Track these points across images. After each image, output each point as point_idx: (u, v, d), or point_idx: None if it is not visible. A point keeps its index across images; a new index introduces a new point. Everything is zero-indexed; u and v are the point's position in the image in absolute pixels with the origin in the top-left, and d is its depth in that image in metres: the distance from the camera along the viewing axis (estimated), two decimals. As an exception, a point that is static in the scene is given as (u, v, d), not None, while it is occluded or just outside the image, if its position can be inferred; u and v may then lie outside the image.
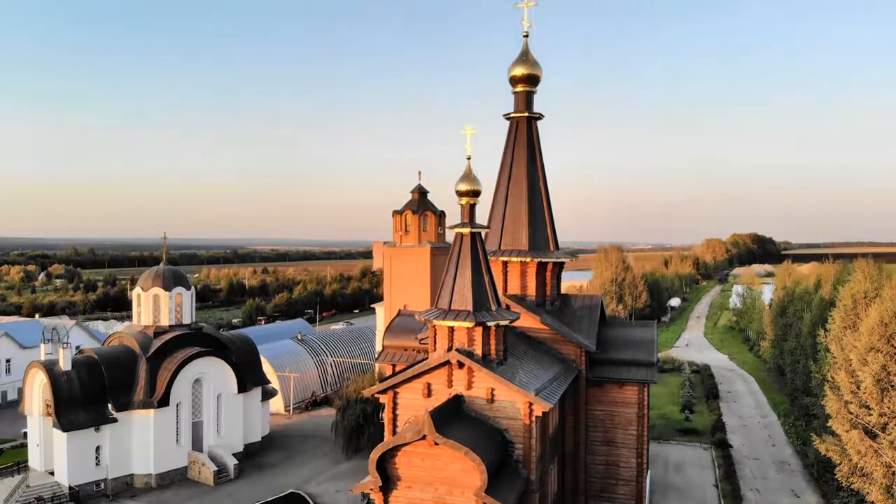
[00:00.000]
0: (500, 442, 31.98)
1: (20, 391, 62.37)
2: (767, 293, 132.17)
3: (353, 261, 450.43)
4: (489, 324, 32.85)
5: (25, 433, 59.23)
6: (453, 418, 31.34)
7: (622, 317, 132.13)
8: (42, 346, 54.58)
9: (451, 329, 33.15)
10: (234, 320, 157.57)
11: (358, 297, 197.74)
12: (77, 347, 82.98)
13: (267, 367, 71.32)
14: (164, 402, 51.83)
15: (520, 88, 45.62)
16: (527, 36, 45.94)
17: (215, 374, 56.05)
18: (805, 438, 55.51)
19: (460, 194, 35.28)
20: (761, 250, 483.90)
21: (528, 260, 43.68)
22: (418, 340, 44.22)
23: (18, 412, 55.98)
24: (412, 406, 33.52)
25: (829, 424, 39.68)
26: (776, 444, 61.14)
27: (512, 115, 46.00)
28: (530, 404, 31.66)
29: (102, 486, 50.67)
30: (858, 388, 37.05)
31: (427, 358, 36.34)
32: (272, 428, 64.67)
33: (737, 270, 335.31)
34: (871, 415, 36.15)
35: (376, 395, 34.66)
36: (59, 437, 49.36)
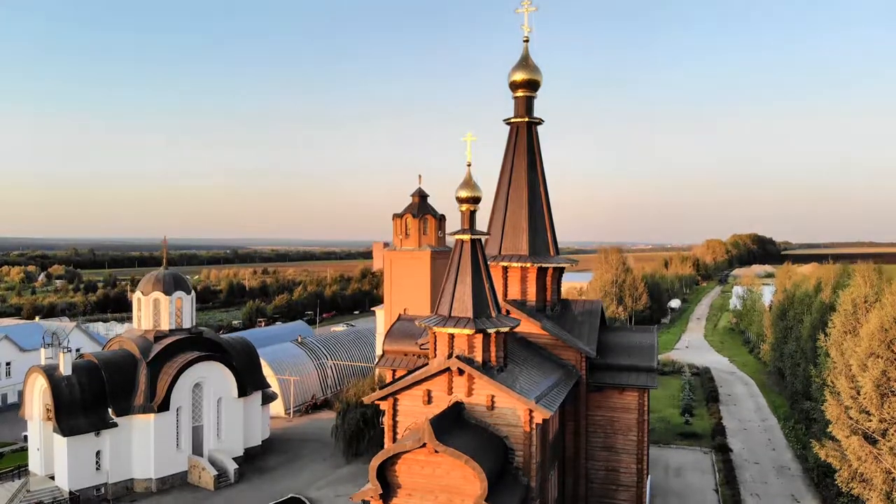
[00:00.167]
0: (501, 449, 31.97)
1: (20, 394, 62.45)
2: (767, 294, 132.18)
3: (353, 261, 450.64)
4: (489, 331, 32.84)
5: (26, 436, 59.25)
6: (453, 425, 31.34)
7: (622, 319, 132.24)
8: (42, 350, 54.57)
9: (452, 336, 33.14)
10: (235, 322, 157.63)
11: (358, 298, 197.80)
12: (77, 350, 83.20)
13: (267, 371, 71.37)
14: (164, 406, 51.84)
15: (520, 93, 45.55)
16: (527, 41, 45.89)
17: (215, 378, 56.07)
18: (805, 442, 55.51)
19: (461, 201, 35.26)
20: (761, 251, 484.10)
21: (529, 265, 43.64)
22: (418, 346, 44.23)
23: (19, 416, 55.97)
24: (412, 413, 33.51)
25: (829, 430, 39.67)
26: (776, 448, 61.16)
27: (512, 120, 45.96)
28: (531, 412, 31.63)
29: (103, 490, 50.70)
30: (858, 393, 37.06)
31: (427, 363, 36.37)
32: (272, 431, 64.71)
33: (737, 271, 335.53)
34: (870, 420, 36.15)
35: (376, 402, 34.66)
36: (60, 441, 49.38)
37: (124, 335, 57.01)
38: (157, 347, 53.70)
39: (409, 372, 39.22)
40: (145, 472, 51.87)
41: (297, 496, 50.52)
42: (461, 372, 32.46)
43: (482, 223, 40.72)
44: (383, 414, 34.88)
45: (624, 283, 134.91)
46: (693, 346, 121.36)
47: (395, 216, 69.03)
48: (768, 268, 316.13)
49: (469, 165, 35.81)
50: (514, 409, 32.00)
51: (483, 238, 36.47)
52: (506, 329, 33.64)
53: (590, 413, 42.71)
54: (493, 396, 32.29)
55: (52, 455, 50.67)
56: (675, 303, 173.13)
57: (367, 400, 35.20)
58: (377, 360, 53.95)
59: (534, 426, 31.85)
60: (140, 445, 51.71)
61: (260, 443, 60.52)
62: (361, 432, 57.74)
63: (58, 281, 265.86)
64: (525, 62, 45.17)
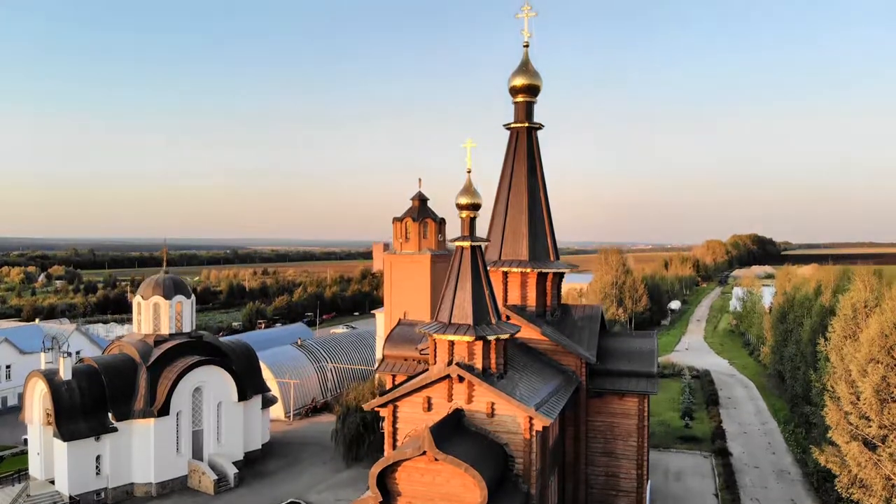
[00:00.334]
0: (501, 456, 32.01)
1: (20, 397, 62.44)
2: (767, 296, 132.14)
3: (352, 261, 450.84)
4: (489, 338, 32.89)
5: (26, 440, 59.26)
6: (453, 433, 31.36)
7: (622, 321, 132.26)
8: (42, 354, 54.60)
9: (452, 343, 33.18)
10: (235, 323, 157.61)
11: (358, 299, 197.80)
12: (77, 353, 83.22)
13: (267, 374, 71.38)
14: (164, 411, 51.84)
15: (520, 99, 45.58)
16: (527, 46, 45.92)
17: (215, 382, 56.07)
18: (805, 447, 55.48)
19: (461, 207, 35.29)
20: (761, 251, 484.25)
21: (529, 270, 43.68)
22: (419, 351, 44.26)
23: (19, 420, 55.96)
24: (412, 420, 33.55)
25: (829, 435, 39.68)
26: (776, 451, 61.14)
27: (512, 125, 45.98)
28: (531, 419, 31.67)
29: (103, 495, 50.69)
30: (858, 398, 37.06)
31: (427, 369, 36.41)
32: (272, 435, 64.71)
33: (737, 272, 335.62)
34: (870, 426, 36.15)
35: (376, 409, 34.67)
36: (60, 446, 49.38)
37: (124, 340, 57.02)
38: (157, 352, 53.70)
39: (409, 378, 39.22)
40: (145, 477, 51.87)
41: (297, 501, 50.50)
42: (461, 379, 32.49)
43: (482, 227, 40.74)
44: (383, 419, 34.91)
45: (624, 284, 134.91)
46: (693, 348, 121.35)
47: (395, 220, 69.05)
48: (768, 268, 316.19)
49: (469, 172, 35.86)
50: (514, 416, 32.03)
51: (483, 244, 36.49)
52: (506, 336, 33.67)
53: (590, 418, 42.72)
54: (493, 404, 32.32)
55: (53, 459, 50.65)
56: (675, 304, 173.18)
57: (367, 407, 35.25)
58: (377, 364, 53.99)
59: (534, 433, 31.88)
60: (140, 450, 51.71)
61: (260, 447, 60.52)
62: (361, 437, 57.72)
63: (58, 282, 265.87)
64: (525, 67, 45.19)
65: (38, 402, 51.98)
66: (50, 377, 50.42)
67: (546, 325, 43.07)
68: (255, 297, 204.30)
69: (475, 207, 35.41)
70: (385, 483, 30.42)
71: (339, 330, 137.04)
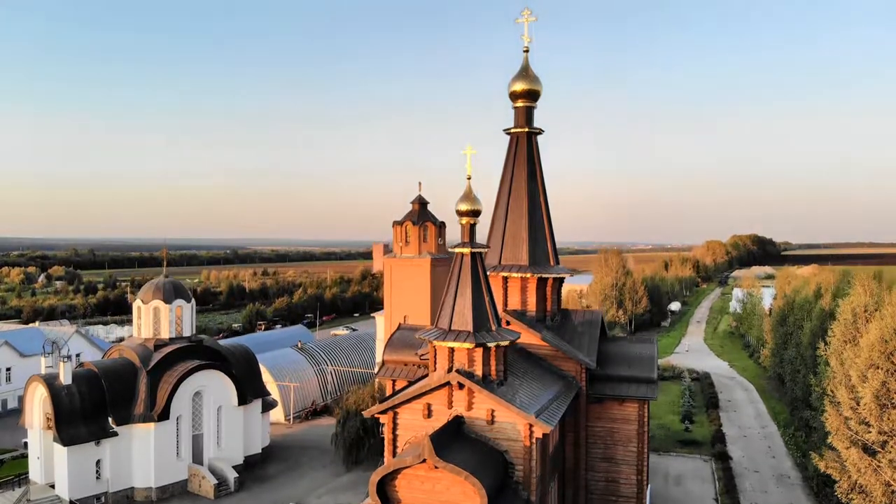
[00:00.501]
0: (501, 463, 32.00)
1: (20, 399, 62.48)
2: (767, 297, 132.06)
3: (352, 262, 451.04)
4: (489, 344, 32.86)
5: (26, 443, 59.29)
6: (453, 440, 31.37)
7: (622, 322, 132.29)
8: (42, 358, 54.63)
9: (452, 350, 33.15)
10: (235, 325, 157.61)
11: (358, 300, 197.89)
12: (77, 356, 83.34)
13: (267, 377, 71.41)
14: (164, 415, 51.86)
15: (520, 104, 45.54)
16: (527, 51, 45.89)
17: (215, 386, 56.10)
18: (805, 450, 55.47)
19: (461, 214, 35.27)
20: (761, 251, 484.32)
21: (529, 275, 43.64)
22: (419, 356, 44.22)
23: (19, 424, 55.98)
24: (412, 426, 33.54)
25: (829, 441, 39.66)
26: (776, 455, 61.16)
27: (512, 130, 45.95)
28: (531, 426, 31.64)
29: (103, 499, 50.74)
30: (858, 404, 37.05)
31: (427, 375, 36.41)
32: (272, 438, 64.72)
33: (737, 272, 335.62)
34: (870, 432, 36.14)
35: (377, 416, 34.66)
36: (60, 451, 49.42)
37: (124, 344, 57.05)
38: (158, 356, 53.73)
39: (410, 384, 39.25)
40: (145, 481, 51.91)
41: (297, 505, 50.57)
42: (461, 386, 32.47)
43: (482, 231, 40.70)
44: (383, 424, 34.92)
45: (624, 286, 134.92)
46: (693, 350, 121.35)
47: (396, 223, 69.07)
48: (768, 269, 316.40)
49: (469, 179, 35.85)
50: (514, 423, 32.01)
51: (483, 251, 36.48)
52: (506, 343, 33.65)
53: (590, 424, 42.71)
54: (493, 411, 32.31)
55: (53, 464, 50.70)
56: (675, 305, 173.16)
57: (367, 414, 35.21)
58: (377, 368, 53.99)
59: (534, 441, 31.86)
60: (140, 454, 51.75)
61: (260, 450, 60.54)
62: (361, 440, 57.75)
63: (58, 282, 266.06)
64: (525, 72, 45.14)
65: (38, 406, 52.00)
66: (50, 382, 50.45)
67: (546, 330, 43.06)
68: (255, 298, 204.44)
69: (475, 214, 35.39)
70: (385, 490, 30.43)
71: (340, 331, 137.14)
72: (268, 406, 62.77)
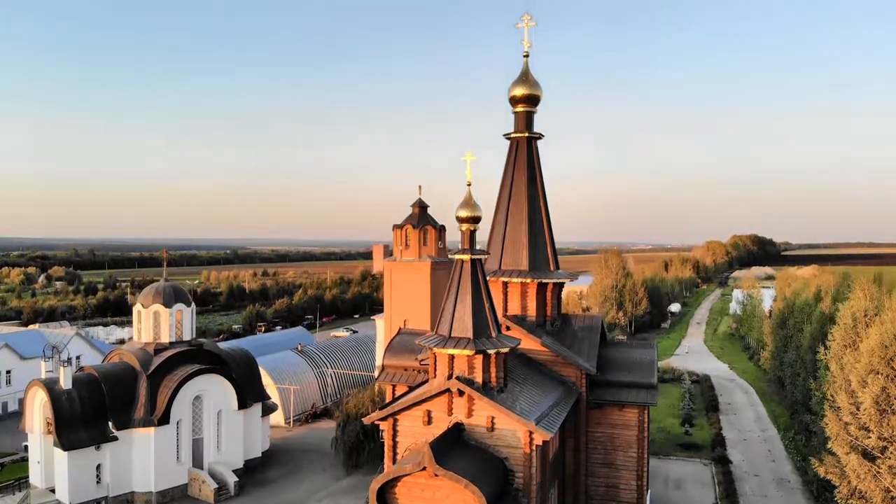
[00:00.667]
0: (501, 470, 32.02)
1: (21, 402, 62.52)
2: (767, 298, 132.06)
3: (352, 262, 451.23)
4: (489, 351, 32.92)
5: (26, 446, 59.32)
6: (453, 447, 31.39)
7: (622, 324, 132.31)
8: (42, 363, 54.66)
9: (452, 356, 33.21)
10: (235, 326, 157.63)
11: (358, 301, 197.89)
12: (77, 358, 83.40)
13: (267, 379, 71.43)
14: (164, 419, 51.86)
15: (520, 108, 45.54)
16: (527, 56, 45.89)
17: (215, 390, 56.09)
18: (805, 454, 55.51)
19: (461, 221, 35.32)
20: (761, 252, 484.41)
21: (529, 281, 43.65)
22: (419, 361, 44.26)
23: (19, 428, 56.02)
24: (412, 433, 33.56)
25: (829, 446, 39.67)
26: (776, 459, 61.16)
27: (512, 135, 45.97)
28: (531, 433, 31.68)
29: (103, 503, 50.72)
30: (858, 409, 37.07)
31: (427, 380, 36.44)
32: (272, 441, 64.72)
33: (737, 273, 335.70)
34: (870, 437, 36.15)
35: (377, 422, 34.68)
36: (60, 455, 49.39)
37: (124, 348, 57.06)
38: (158, 360, 53.71)
39: (410, 389, 39.27)
40: (146, 486, 51.88)
41: (297, 509, 50.56)
42: (461, 393, 32.51)
43: (482, 236, 40.66)
44: (383, 430, 34.94)
45: (624, 287, 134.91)
46: (693, 352, 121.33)
47: (396, 227, 69.10)
48: (768, 269, 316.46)
49: (469, 185, 35.89)
50: (514, 430, 32.04)
51: (483, 257, 36.50)
52: (506, 350, 33.69)
53: (590, 430, 42.72)
54: (493, 418, 32.34)
55: (53, 468, 50.66)
56: (675, 307, 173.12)
57: (367, 421, 35.26)
58: (377, 372, 54.01)
59: (534, 448, 31.89)
60: (140, 459, 51.73)
61: (260, 454, 60.52)
62: (361, 444, 57.75)
63: (58, 283, 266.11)
64: (525, 77, 45.14)
65: (38, 410, 52.01)
66: (50, 386, 50.44)
67: (546, 335, 43.06)
68: (255, 298, 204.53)
69: (475, 221, 35.44)
70: (385, 498, 30.44)
71: (340, 333, 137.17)
72: (268, 410, 62.79)
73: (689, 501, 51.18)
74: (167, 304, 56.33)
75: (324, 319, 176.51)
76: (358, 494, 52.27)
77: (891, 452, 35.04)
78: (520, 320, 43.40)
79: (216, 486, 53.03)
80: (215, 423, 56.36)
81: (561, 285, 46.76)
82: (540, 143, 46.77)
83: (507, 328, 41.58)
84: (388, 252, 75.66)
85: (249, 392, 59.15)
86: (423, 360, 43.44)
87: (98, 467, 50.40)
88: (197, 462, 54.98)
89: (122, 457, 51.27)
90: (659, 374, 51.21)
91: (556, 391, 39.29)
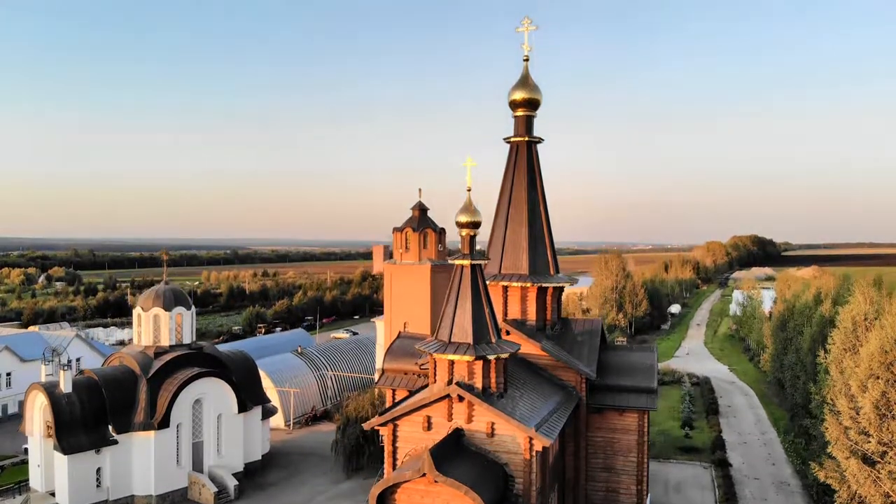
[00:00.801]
0: (500, 476, 32.01)
1: (21, 404, 62.48)
2: (767, 300, 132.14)
3: (352, 262, 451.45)
4: (489, 357, 32.90)
5: (27, 448, 59.35)
6: (453, 453, 31.38)
7: (622, 325, 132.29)
8: (42, 366, 54.66)
9: (452, 362, 33.21)
10: (235, 328, 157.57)
11: (358, 302, 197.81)
12: (77, 361, 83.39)
13: (267, 382, 71.44)
14: (164, 423, 51.86)
15: (520, 112, 45.55)
16: (527, 59, 45.89)
17: (215, 394, 56.10)
18: (805, 458, 55.48)
19: (460, 226, 35.33)
20: (762, 252, 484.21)
21: (529, 285, 43.66)
22: (419, 366, 44.21)
23: (19, 429, 56.02)
24: (412, 439, 33.57)
25: (828, 450, 39.66)
26: (776, 462, 61.15)
27: (512, 139, 45.96)
28: (531, 439, 31.67)
29: (103, 507, 50.77)
30: (858, 413, 37.07)
31: (427, 385, 36.42)
32: (272, 444, 64.72)
33: (737, 273, 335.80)
34: (869, 442, 36.16)
35: (376, 428, 34.67)
36: (60, 459, 49.40)
37: (124, 351, 57.05)
38: (158, 364, 53.72)
39: (410, 394, 39.30)
40: (146, 489, 51.89)
41: (297, 513, 50.54)
42: (461, 398, 32.50)
43: (482, 239, 40.66)
44: (383, 435, 34.92)
45: (624, 289, 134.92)
46: (693, 354, 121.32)
47: (396, 230, 69.06)
48: (768, 270, 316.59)
49: (469, 190, 35.89)
50: (514, 436, 32.04)
51: (483, 262, 36.49)
52: (506, 355, 33.69)
53: (590, 434, 42.73)
54: (493, 423, 32.34)
55: (53, 472, 50.64)
56: (675, 308, 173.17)
57: (366, 426, 35.21)
58: (377, 376, 53.95)
59: (534, 454, 31.88)
60: (140, 462, 51.74)
61: (260, 458, 60.51)
62: (361, 448, 57.76)
63: (58, 283, 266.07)
64: (525, 81, 45.14)
65: (38, 414, 52.00)
66: (50, 390, 50.45)
67: (546, 339, 43.05)
68: (255, 299, 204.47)
69: (475, 226, 35.45)
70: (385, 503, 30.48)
71: (340, 334, 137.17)
72: (268, 413, 62.78)
73: (689, 505, 51.18)
74: (167, 308, 56.33)
75: (324, 321, 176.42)
76: (358, 498, 52.28)
77: (891, 457, 35.05)
78: (520, 325, 43.40)
79: (216, 489, 53.03)
80: (215, 427, 56.37)
81: (561, 289, 46.76)
82: (539, 151, 46.79)
83: (507, 333, 41.55)
84: (388, 252, 75.74)
85: (249, 395, 59.16)
86: (423, 364, 43.40)
87: (98, 471, 50.40)
88: (197, 465, 54.98)
89: (123, 460, 51.27)
90: (659, 377, 51.25)
91: (556, 396, 39.29)
